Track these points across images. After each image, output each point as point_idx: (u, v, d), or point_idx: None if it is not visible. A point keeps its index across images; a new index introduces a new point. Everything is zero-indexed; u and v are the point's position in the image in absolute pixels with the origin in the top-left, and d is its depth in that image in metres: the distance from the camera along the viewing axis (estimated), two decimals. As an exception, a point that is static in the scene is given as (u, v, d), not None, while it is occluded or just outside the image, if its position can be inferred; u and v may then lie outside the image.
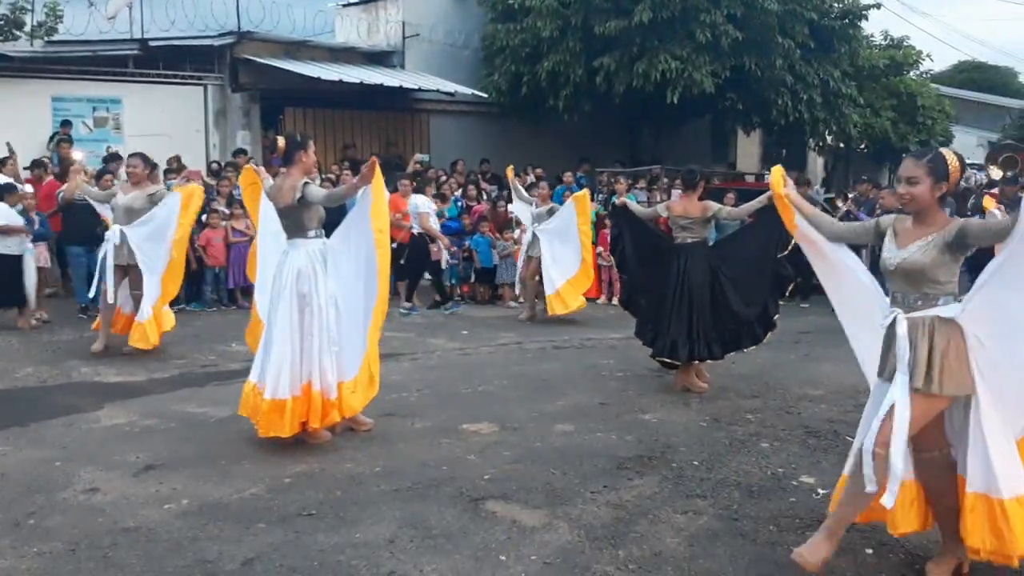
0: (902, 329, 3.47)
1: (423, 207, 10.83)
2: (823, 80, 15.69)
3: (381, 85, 14.69)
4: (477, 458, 5.25)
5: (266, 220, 5.83)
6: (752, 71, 14.68)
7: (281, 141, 5.41)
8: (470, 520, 4.30)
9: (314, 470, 4.96)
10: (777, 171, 4.36)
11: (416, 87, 15.38)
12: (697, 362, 6.92)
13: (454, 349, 8.76)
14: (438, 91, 15.66)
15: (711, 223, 7.08)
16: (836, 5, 15.97)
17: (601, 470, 5.03)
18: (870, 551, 3.94)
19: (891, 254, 3.58)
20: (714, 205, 6.95)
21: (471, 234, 12.18)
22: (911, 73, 21.79)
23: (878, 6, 16.41)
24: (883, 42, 21.99)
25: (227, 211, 11.06)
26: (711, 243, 7.30)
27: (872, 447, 3.43)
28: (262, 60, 14.17)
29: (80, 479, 4.79)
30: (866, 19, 16.40)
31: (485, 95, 16.16)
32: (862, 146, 21.31)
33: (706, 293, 6.77)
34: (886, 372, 3.55)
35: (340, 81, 14.01)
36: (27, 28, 18.54)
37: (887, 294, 3.68)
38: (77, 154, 8.01)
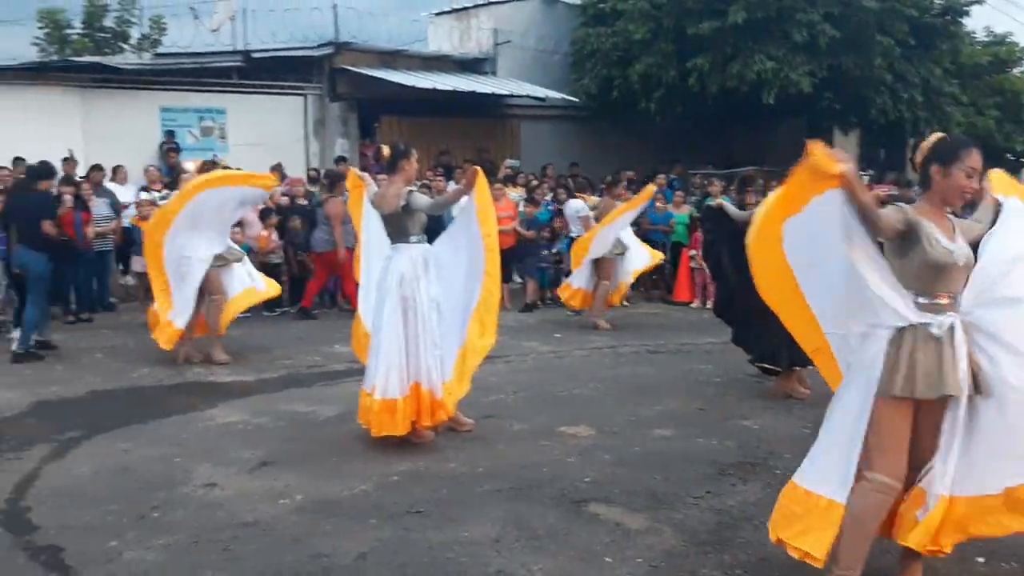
0: (961, 336, 3.26)
1: (582, 211, 11.00)
2: (924, 78, 15.24)
3: (473, 92, 14.88)
4: (577, 461, 5.30)
5: (369, 225, 6.00)
6: (850, 70, 14.36)
7: (386, 150, 5.61)
8: (573, 521, 4.35)
9: (419, 469, 5.09)
10: (817, 147, 3.23)
11: (507, 93, 15.53)
12: (799, 368, 6.80)
13: (548, 352, 8.82)
14: (529, 96, 15.77)
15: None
16: (937, 2, 15.49)
17: (703, 475, 5.01)
18: (981, 559, 3.83)
19: (952, 247, 3.28)
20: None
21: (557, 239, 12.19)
22: (1015, 70, 20.96)
23: (980, 1, 15.86)
24: (986, 38, 21.20)
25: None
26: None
27: (942, 493, 3.28)
28: (359, 70, 14.51)
29: (198, 474, 5.02)
30: (968, 15, 15.90)
31: (575, 99, 16.20)
32: (965, 146, 20.59)
33: (808, 298, 6.64)
34: (925, 388, 3.24)
35: (434, 89, 14.25)
36: (132, 41, 19.43)
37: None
38: (189, 164, 8.35)
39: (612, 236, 9.93)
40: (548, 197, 12.95)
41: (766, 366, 6.89)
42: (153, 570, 3.82)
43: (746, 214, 7.40)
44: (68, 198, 9.92)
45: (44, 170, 8.60)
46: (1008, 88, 19.98)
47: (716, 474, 5.00)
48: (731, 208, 7.33)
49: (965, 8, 15.61)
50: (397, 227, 5.51)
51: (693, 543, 4.10)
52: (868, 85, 14.75)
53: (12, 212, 8.49)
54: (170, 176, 11.19)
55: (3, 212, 8.67)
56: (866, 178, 14.14)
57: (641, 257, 10.39)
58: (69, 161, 11.16)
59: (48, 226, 8.12)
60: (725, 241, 7.20)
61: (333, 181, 10.63)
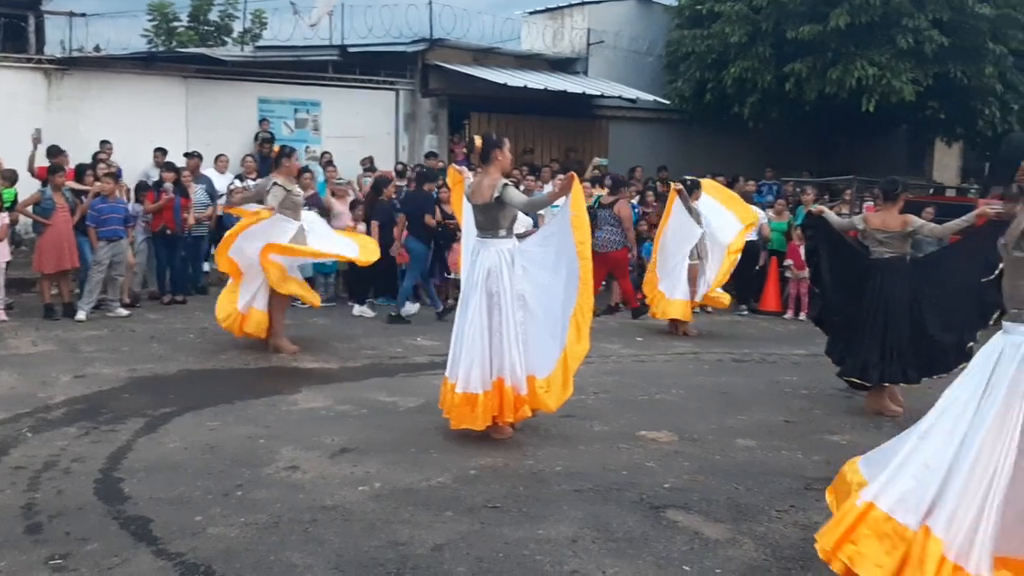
0: None
1: (763, 217, 10.98)
2: (1036, 90, 14.58)
3: (564, 91, 14.84)
4: (657, 466, 5.22)
5: (468, 218, 6.01)
6: (958, 79, 13.82)
7: (478, 140, 5.58)
8: (651, 527, 4.28)
9: (498, 464, 5.08)
10: None
11: (598, 93, 15.44)
12: (890, 384, 6.57)
13: (629, 355, 8.72)
14: (620, 97, 15.65)
15: (910, 238, 6.71)
16: (1055, 9, 14.79)
17: (787, 489, 4.87)
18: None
19: None
20: (915, 220, 6.58)
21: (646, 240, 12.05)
22: None
23: (1102, 9, 15.07)
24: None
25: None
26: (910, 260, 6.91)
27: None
28: (451, 66, 14.63)
29: (282, 457, 5.12)
30: (1089, 23, 15.10)
31: (667, 102, 16.01)
32: (1078, 161, 19.63)
33: (904, 313, 6.41)
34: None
35: (525, 87, 14.26)
36: (234, 34, 20.07)
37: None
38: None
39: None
40: (636, 199, 12.82)
41: (855, 380, 6.67)
42: (236, 546, 3.90)
43: (846, 222, 7.19)
44: (169, 185, 10.29)
45: (430, 174, 10.84)
46: None
47: (801, 488, 4.86)
48: (831, 215, 7.12)
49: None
50: (488, 219, 5.50)
51: (775, 557, 3.99)
52: (976, 95, 14.19)
53: (405, 207, 10.39)
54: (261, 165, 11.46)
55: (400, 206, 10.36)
56: (972, 191, 13.61)
57: (715, 263, 10.09)
58: (160, 151, 11.51)
59: (429, 219, 10.00)
60: (825, 248, 7.02)
61: (618, 183, 10.94)
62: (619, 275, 10.99)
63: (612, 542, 4.08)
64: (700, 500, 4.66)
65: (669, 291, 9.89)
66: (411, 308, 10.31)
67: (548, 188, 11.34)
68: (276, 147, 9.48)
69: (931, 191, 16.37)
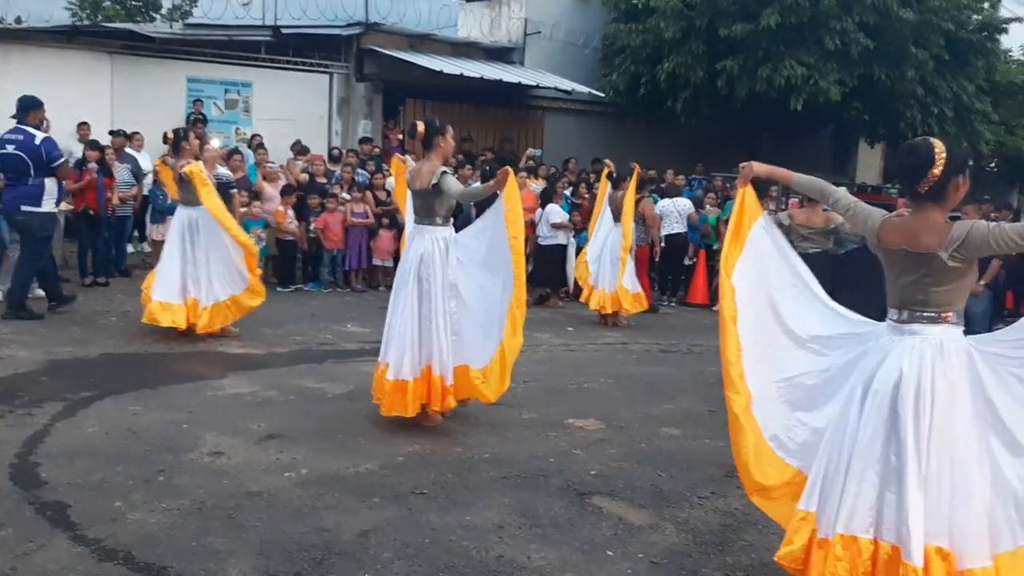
0: None
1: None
2: (955, 94, 15.12)
3: (500, 81, 14.85)
4: (583, 453, 5.29)
5: (410, 205, 5.97)
6: (881, 81, 14.25)
7: (421, 126, 5.54)
8: (577, 513, 4.34)
9: (426, 451, 5.09)
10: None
11: (534, 84, 15.49)
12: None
13: (560, 345, 8.80)
14: (555, 89, 15.72)
15: (832, 235, 6.91)
16: (975, 18, 15.33)
17: (709, 476, 4.98)
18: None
19: None
20: (837, 217, 6.78)
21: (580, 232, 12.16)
22: (1051, 92, 20.70)
23: (1019, 20, 15.70)
24: (1022, 57, 20.97)
25: (347, 196, 11.38)
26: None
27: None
28: (387, 52, 14.50)
29: (206, 442, 5.03)
30: (1005, 32, 15.73)
31: (602, 94, 16.14)
32: (992, 165, 20.39)
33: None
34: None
35: (461, 75, 14.22)
36: (163, 11, 19.53)
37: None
38: (215, 140, 8.30)
39: None
40: (568, 191, 12.90)
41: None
42: (156, 532, 3.83)
43: (772, 218, 7.35)
44: (93, 165, 9.99)
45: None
46: (1042, 109, 19.76)
47: (723, 476, 4.97)
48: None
49: (1003, 26, 15.44)
50: (425, 205, 5.47)
51: (696, 543, 4.09)
52: (899, 98, 14.63)
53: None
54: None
55: None
56: (892, 191, 14.05)
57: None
58: (85, 125, 11.19)
59: None
60: None
61: (619, 178, 10.76)
62: (639, 271, 10.96)
63: (538, 528, 4.13)
64: (625, 487, 4.74)
65: (601, 281, 10.04)
66: None
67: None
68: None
69: (854, 190, 16.87)
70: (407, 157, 6.34)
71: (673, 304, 11.99)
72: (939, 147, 3.08)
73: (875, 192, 16.44)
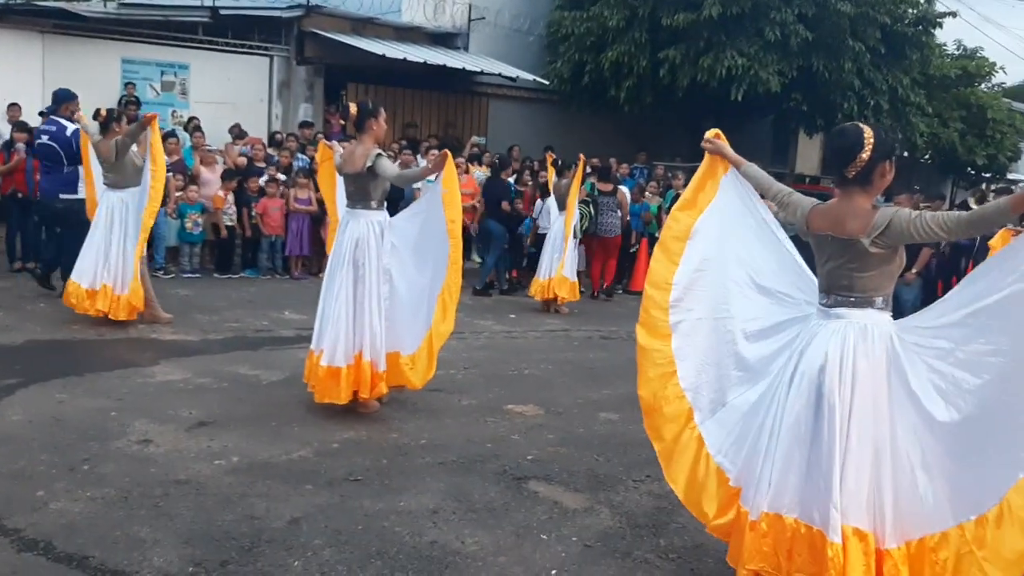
0: None
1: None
2: (891, 87, 15.40)
3: (444, 66, 14.73)
4: (521, 438, 5.28)
5: (339, 191, 5.88)
6: (820, 73, 14.45)
7: (353, 108, 5.44)
8: (512, 497, 4.33)
9: (361, 438, 5.03)
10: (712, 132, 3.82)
11: (479, 70, 15.40)
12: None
13: (501, 332, 8.79)
14: (500, 75, 15.64)
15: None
16: (911, 11, 15.62)
17: (644, 460, 4.99)
18: None
19: None
20: (774, 206, 6.86)
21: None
22: (983, 85, 21.28)
23: (953, 15, 16.03)
24: (956, 52, 21.51)
25: (282, 177, 11.21)
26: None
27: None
28: (328, 35, 14.28)
29: (134, 430, 4.91)
30: (940, 27, 16.05)
31: (546, 82, 16.12)
32: (927, 156, 20.88)
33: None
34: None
35: (404, 60, 14.07)
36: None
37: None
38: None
39: None
40: (512, 178, 12.88)
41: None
42: (79, 521, 3.73)
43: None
44: (21, 146, 9.67)
45: (506, 162, 11.96)
46: (974, 102, 20.26)
47: (657, 459, 5.00)
48: None
49: (938, 20, 15.76)
50: (359, 189, 5.38)
51: (630, 525, 4.11)
52: (836, 89, 14.86)
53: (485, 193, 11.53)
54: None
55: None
56: (831, 181, 14.30)
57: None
58: (15, 106, 10.83)
59: (505, 205, 11.25)
60: None
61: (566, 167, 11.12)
62: (613, 256, 11.66)
63: (472, 512, 4.11)
64: (561, 471, 4.75)
65: (543, 270, 10.08)
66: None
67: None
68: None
69: (793, 179, 17.17)
70: (333, 143, 6.24)
71: (619, 291, 12.09)
72: (868, 132, 3.12)
73: (813, 183, 16.77)
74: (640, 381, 3.77)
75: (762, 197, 3.55)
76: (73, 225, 8.08)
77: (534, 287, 10.20)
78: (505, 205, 11.28)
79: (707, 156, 3.78)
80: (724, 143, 3.75)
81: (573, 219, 9.99)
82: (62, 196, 8.20)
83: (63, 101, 8.33)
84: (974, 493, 2.95)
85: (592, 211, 11.14)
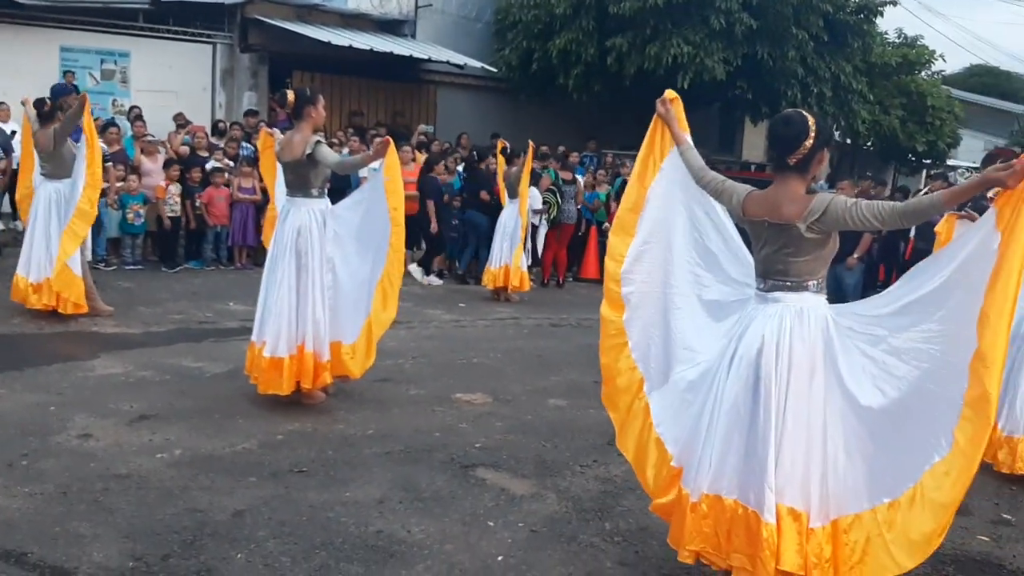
0: None
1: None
2: (834, 74, 15.60)
3: (391, 54, 14.61)
4: (469, 427, 5.29)
5: (280, 179, 5.80)
6: (764, 61, 14.61)
7: (291, 95, 5.36)
8: (460, 486, 4.34)
9: (307, 429, 4.99)
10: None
11: (426, 57, 15.31)
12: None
13: (451, 321, 8.78)
14: (448, 63, 15.57)
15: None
16: (852, 0, 15.87)
17: (591, 445, 5.06)
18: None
19: None
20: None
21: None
22: (923, 73, 21.64)
23: (894, 3, 16.30)
24: (897, 40, 21.85)
25: (230, 162, 11.05)
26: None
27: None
28: (272, 22, 14.07)
29: (74, 424, 4.82)
30: (881, 15, 16.30)
31: (495, 70, 16.08)
32: (869, 143, 21.23)
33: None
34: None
35: (350, 47, 13.93)
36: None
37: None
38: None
39: None
40: (461, 167, 12.85)
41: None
42: (16, 518, 3.65)
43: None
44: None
45: (484, 153, 11.68)
46: (914, 90, 20.61)
47: (604, 444, 5.05)
48: None
49: (880, 8, 16.02)
50: (299, 177, 5.31)
51: (576, 510, 4.15)
52: (780, 77, 15.03)
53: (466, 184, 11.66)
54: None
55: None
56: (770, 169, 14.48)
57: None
58: None
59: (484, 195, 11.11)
60: None
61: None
62: (566, 244, 11.91)
63: (419, 502, 4.11)
64: (509, 458, 4.77)
65: (494, 259, 10.11)
66: (436, 281, 11.08)
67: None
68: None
69: (740, 167, 17.36)
70: (274, 130, 6.16)
71: (569, 279, 12.17)
72: (811, 120, 3.17)
73: (759, 170, 16.91)
74: (600, 350, 3.84)
75: (697, 183, 3.57)
76: None
77: (486, 276, 10.20)
78: (484, 195, 11.22)
79: (655, 121, 3.75)
80: (675, 114, 3.69)
81: (530, 208, 10.11)
82: None
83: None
84: (891, 477, 3.04)
85: (559, 200, 11.27)
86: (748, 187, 3.37)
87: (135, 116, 11.78)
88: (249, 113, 13.17)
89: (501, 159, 10.59)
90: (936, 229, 5.64)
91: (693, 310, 3.62)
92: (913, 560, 3.01)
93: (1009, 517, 4.51)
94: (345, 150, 11.19)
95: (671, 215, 3.72)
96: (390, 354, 6.77)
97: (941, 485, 2.91)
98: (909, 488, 2.98)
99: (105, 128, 10.59)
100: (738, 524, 3.13)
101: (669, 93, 3.73)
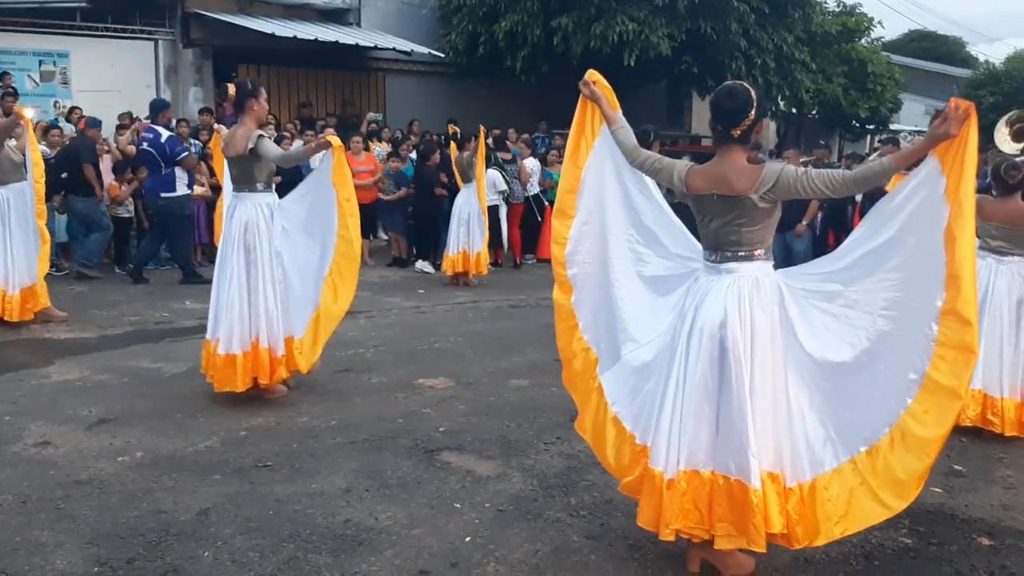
0: None
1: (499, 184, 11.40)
2: (776, 45, 15.78)
3: (336, 43, 14.48)
4: (433, 411, 5.32)
5: (227, 174, 5.75)
6: (708, 35, 14.72)
7: (232, 88, 5.30)
8: (425, 471, 4.36)
9: (270, 424, 4.98)
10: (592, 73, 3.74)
11: (372, 45, 15.19)
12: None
13: (410, 307, 8.78)
14: (394, 50, 15.47)
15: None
16: (791, -30, 16.03)
17: (554, 423, 5.11)
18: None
19: None
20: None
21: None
22: (863, 40, 21.96)
23: (832, -27, 16.54)
24: (836, 8, 22.12)
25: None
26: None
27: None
28: (214, 15, 13.86)
29: (31, 433, 4.76)
30: (820, -15, 16.52)
31: (442, 55, 16.02)
32: (813, 112, 21.52)
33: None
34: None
35: (294, 38, 13.78)
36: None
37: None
38: (29, 111, 7.71)
39: None
40: (413, 153, 12.80)
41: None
42: (-25, 532, 3.61)
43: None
44: None
45: (431, 148, 11.43)
46: (855, 57, 20.91)
47: (567, 421, 5.04)
48: None
49: (818, -22, 16.23)
50: (243, 172, 5.26)
51: (541, 487, 4.20)
52: (724, 50, 15.16)
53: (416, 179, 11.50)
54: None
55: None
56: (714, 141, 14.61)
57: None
58: None
59: (438, 191, 11.14)
60: None
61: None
62: (516, 223, 12.02)
63: (386, 488, 4.13)
64: (473, 440, 4.81)
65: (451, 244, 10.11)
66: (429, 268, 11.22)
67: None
68: (17, 105, 8.63)
69: (690, 141, 17.52)
70: (220, 127, 6.10)
71: (530, 260, 12.23)
72: (752, 91, 3.22)
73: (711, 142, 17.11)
74: (556, 334, 3.89)
75: (631, 163, 3.57)
76: (177, 219, 9.50)
77: (445, 262, 10.21)
78: (438, 191, 11.20)
79: (582, 101, 3.74)
80: (602, 92, 3.65)
81: (495, 189, 10.18)
82: (162, 195, 9.37)
83: (159, 110, 9.62)
84: (866, 425, 3.12)
85: (508, 179, 11.40)
86: (687, 162, 3.41)
87: (78, 117, 11.54)
88: (203, 111, 12.96)
89: (452, 145, 10.58)
90: (887, 190, 5.73)
91: (635, 287, 3.66)
92: (904, 500, 3.10)
93: (960, 468, 4.66)
94: (298, 142, 11.08)
95: (606, 194, 3.75)
96: (350, 343, 6.77)
97: (923, 422, 3.01)
98: (886, 432, 3.07)
99: (48, 131, 10.38)
100: (719, 494, 3.18)
101: (591, 74, 3.71)
